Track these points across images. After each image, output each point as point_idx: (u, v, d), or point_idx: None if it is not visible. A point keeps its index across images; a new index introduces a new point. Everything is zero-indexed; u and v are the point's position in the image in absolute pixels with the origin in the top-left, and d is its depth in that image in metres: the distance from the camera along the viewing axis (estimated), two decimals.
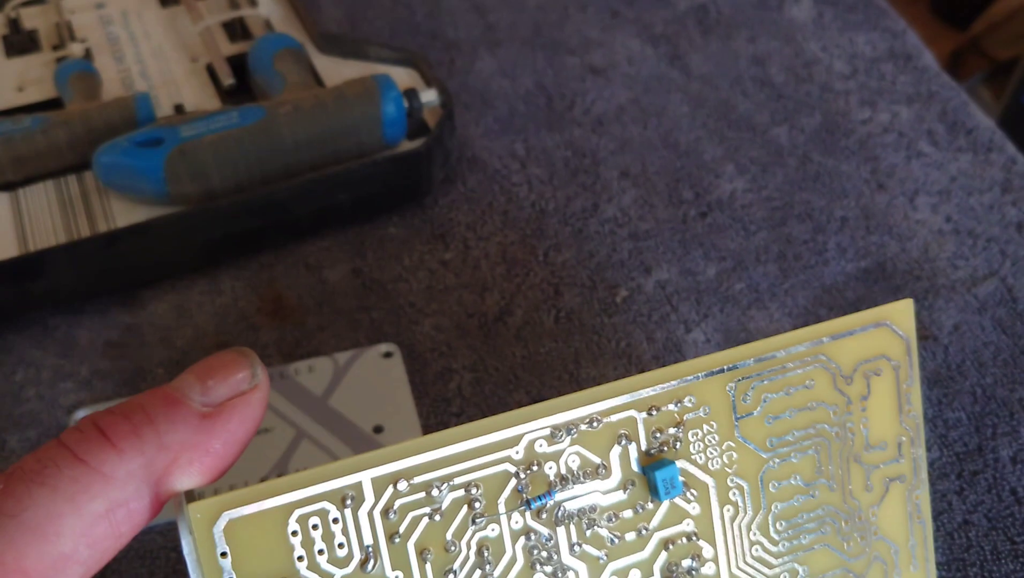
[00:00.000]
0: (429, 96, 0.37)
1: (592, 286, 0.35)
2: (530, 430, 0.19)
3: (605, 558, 0.20)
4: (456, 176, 0.39)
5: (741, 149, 0.40)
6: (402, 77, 0.39)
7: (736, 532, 0.21)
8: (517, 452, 0.19)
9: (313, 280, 0.35)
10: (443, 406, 0.31)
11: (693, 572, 0.21)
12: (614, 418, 0.20)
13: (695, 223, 0.37)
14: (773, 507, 0.21)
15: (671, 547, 0.20)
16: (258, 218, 0.35)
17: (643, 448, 0.20)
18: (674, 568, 0.20)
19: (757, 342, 0.21)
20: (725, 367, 0.20)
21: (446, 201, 0.38)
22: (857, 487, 0.22)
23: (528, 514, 0.19)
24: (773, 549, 0.21)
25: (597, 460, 0.20)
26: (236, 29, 0.42)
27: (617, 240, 0.36)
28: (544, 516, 0.19)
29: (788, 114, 0.41)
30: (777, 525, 0.21)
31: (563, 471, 0.19)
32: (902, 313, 0.22)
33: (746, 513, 0.21)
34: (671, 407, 0.20)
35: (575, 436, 0.19)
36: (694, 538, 0.20)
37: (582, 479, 0.19)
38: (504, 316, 0.34)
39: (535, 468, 0.19)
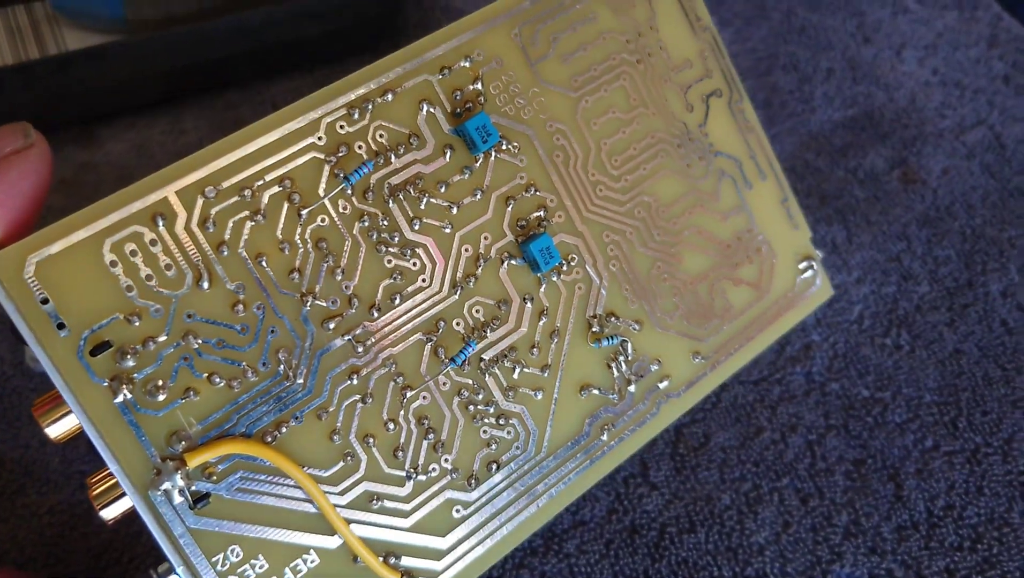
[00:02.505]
0: None
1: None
2: (325, 113, 0.19)
3: (450, 227, 0.20)
4: (431, 21, 0.37)
5: (725, 4, 0.40)
6: None
7: (573, 176, 0.21)
8: (320, 138, 0.19)
9: None
10: None
11: (545, 223, 0.21)
12: (407, 85, 0.19)
13: None
14: (601, 144, 0.21)
15: (513, 203, 0.20)
16: (223, 48, 0.33)
17: (448, 110, 0.20)
18: (523, 222, 0.20)
19: None
20: (501, 16, 0.20)
21: None
22: (678, 109, 0.22)
23: (353, 197, 0.19)
24: (616, 185, 0.21)
25: (405, 130, 0.19)
26: None
27: None
28: (371, 196, 0.19)
29: None
30: (612, 161, 0.21)
31: (374, 147, 0.19)
32: None
33: (576, 155, 0.21)
34: (463, 64, 0.20)
35: (373, 111, 0.19)
36: (533, 190, 0.20)
37: (398, 151, 0.19)
38: None
39: (344, 150, 0.19)
